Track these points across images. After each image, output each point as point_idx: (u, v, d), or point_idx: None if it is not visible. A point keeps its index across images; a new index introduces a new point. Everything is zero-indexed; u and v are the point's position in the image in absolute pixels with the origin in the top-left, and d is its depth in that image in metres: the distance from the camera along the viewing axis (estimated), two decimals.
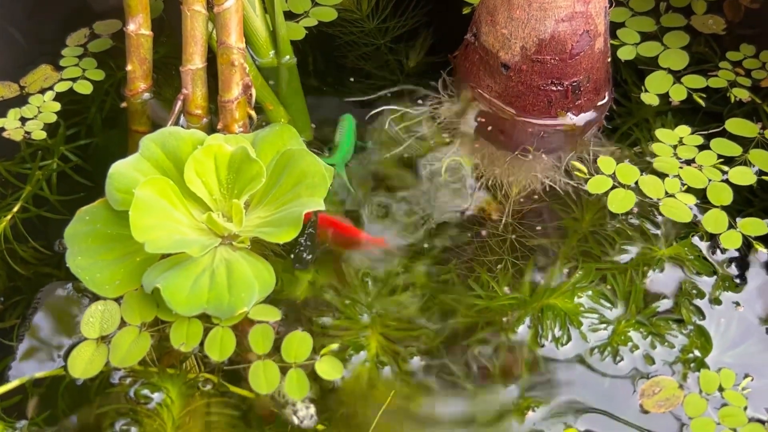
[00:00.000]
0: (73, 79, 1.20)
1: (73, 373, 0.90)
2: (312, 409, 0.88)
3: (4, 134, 1.13)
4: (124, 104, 1.16)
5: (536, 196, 1.07)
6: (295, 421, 0.87)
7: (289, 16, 1.28)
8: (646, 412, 0.88)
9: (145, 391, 0.89)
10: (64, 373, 0.91)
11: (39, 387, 0.90)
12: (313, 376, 0.90)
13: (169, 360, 0.92)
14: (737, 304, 0.96)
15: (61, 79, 1.20)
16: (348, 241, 1.04)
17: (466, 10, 1.30)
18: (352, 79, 1.22)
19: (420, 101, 1.19)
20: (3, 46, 1.23)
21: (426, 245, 1.02)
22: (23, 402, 0.89)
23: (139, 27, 1.09)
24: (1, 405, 0.89)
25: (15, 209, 1.04)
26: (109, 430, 0.86)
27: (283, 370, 0.90)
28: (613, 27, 1.24)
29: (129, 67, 1.13)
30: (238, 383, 0.91)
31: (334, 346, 0.93)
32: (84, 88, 1.19)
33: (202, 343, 0.91)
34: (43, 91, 1.19)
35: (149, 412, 0.88)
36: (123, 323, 0.93)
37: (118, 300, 0.94)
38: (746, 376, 0.90)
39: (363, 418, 0.88)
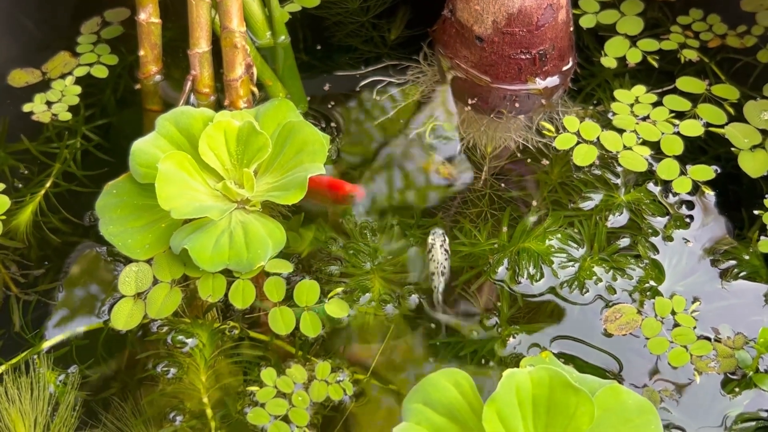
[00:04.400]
0: (90, 64, 1.30)
1: (116, 325, 1.02)
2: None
3: (33, 117, 1.23)
4: (137, 86, 1.26)
5: (511, 154, 1.19)
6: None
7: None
8: (609, 335, 1.00)
9: (180, 338, 1.01)
10: (103, 326, 1.02)
11: (84, 339, 1.02)
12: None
13: (193, 312, 1.04)
14: (687, 240, 1.08)
15: (79, 65, 1.30)
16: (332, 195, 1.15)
17: None
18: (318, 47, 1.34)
19: (403, 72, 1.30)
20: (19, 35, 1.32)
21: (415, 201, 1.15)
22: (69, 353, 1.02)
23: (149, 16, 1.20)
24: (52, 356, 1.00)
25: (48, 185, 1.16)
26: (152, 372, 0.99)
27: (297, 314, 1.02)
28: None
29: (141, 53, 1.23)
30: (256, 328, 1.03)
31: (339, 289, 1.05)
32: (100, 72, 1.29)
33: (225, 295, 1.03)
34: (63, 76, 1.28)
35: (184, 355, 1.01)
36: (155, 281, 1.04)
37: (148, 261, 1.05)
38: (695, 300, 1.03)
39: (367, 350, 1.02)
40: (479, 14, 1.19)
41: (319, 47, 1.34)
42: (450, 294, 1.05)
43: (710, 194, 1.13)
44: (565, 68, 1.27)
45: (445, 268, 1.06)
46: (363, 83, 1.29)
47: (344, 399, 0.97)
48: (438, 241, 1.08)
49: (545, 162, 1.17)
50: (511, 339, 1.01)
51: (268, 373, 0.98)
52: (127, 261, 1.06)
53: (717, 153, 1.17)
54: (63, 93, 1.27)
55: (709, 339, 1.00)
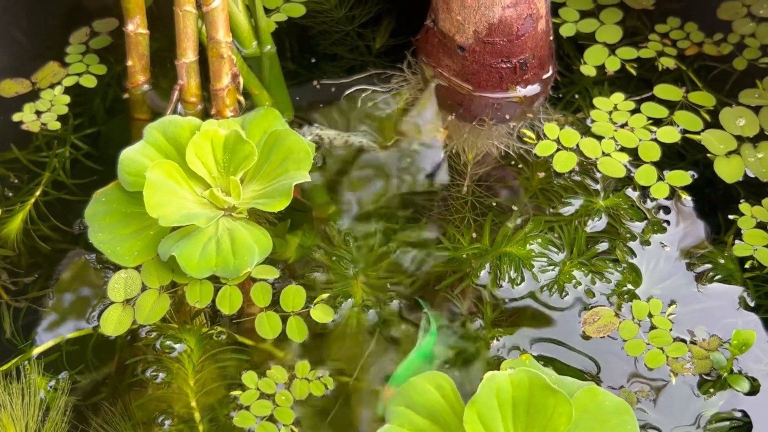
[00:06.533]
0: (79, 74, 1.31)
1: (106, 331, 1.03)
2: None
3: (23, 126, 1.25)
4: (126, 95, 1.28)
5: (493, 160, 1.22)
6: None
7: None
8: (588, 337, 1.03)
9: (169, 343, 1.03)
10: (92, 332, 1.04)
11: (73, 345, 1.04)
12: (309, 321, 1.05)
13: (181, 317, 1.06)
14: (664, 244, 1.11)
15: (68, 75, 1.31)
16: None
17: None
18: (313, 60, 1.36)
19: (388, 80, 1.32)
20: (9, 46, 1.34)
21: (399, 207, 1.17)
22: (60, 359, 1.03)
23: (137, 27, 1.22)
24: (42, 362, 1.02)
25: (37, 193, 1.18)
26: (141, 376, 1.01)
27: (284, 319, 1.04)
28: (555, 6, 1.37)
29: (129, 63, 1.25)
30: (243, 333, 1.05)
31: (325, 295, 1.07)
32: (89, 81, 1.30)
33: (213, 301, 1.05)
34: (52, 86, 1.30)
35: (173, 360, 1.02)
36: (144, 287, 1.06)
37: (137, 268, 1.07)
38: (671, 303, 1.05)
39: (354, 355, 1.04)
40: (461, 24, 1.22)
41: (304, 56, 1.37)
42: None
43: (687, 199, 1.15)
44: (545, 76, 1.29)
45: (339, 134, 1.18)
46: (348, 91, 1.31)
47: (326, 394, 0.99)
48: (317, 131, 1.20)
49: (526, 168, 1.20)
50: (494, 342, 1.03)
51: (249, 376, 1.00)
52: (116, 268, 1.08)
53: (694, 159, 1.20)
54: (52, 102, 1.28)
55: (684, 341, 1.02)
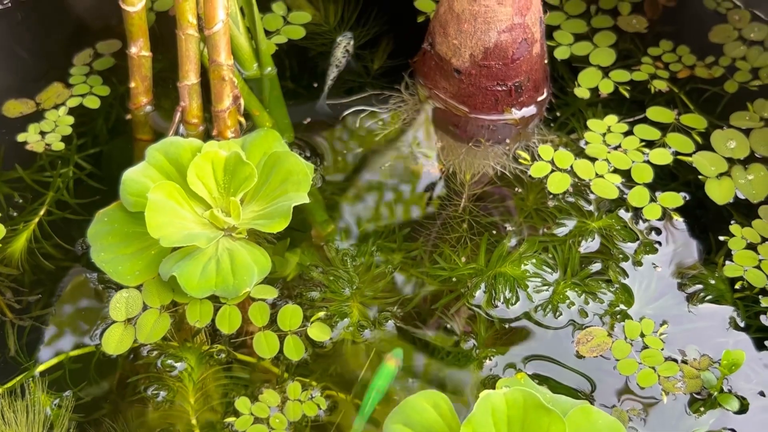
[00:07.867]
0: (83, 95, 1.33)
1: (107, 350, 1.05)
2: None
3: (27, 147, 1.27)
4: (128, 116, 1.30)
5: (488, 181, 1.24)
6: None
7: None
8: (581, 357, 1.04)
9: (170, 362, 1.05)
10: (95, 350, 1.06)
11: (76, 363, 1.06)
12: (306, 340, 1.06)
13: (182, 336, 1.08)
14: (655, 265, 1.13)
15: (72, 96, 1.33)
16: None
17: (420, 19, 1.44)
18: (315, 84, 1.38)
19: (386, 101, 1.34)
20: (14, 67, 1.36)
21: (396, 227, 1.19)
22: (63, 377, 1.05)
23: (140, 49, 1.24)
24: (46, 379, 1.04)
25: (41, 212, 1.20)
26: (143, 394, 1.03)
27: (281, 338, 1.06)
28: (550, 30, 1.40)
29: (132, 84, 1.27)
30: (243, 352, 1.07)
31: (321, 314, 1.08)
32: (92, 102, 1.32)
33: (213, 320, 1.07)
34: (57, 107, 1.32)
35: (174, 378, 1.04)
36: (145, 307, 1.08)
37: (138, 288, 1.08)
38: (663, 323, 1.07)
39: (350, 374, 1.06)
40: (457, 48, 1.24)
41: (304, 77, 1.38)
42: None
43: (679, 221, 1.17)
44: (540, 99, 1.31)
45: (340, 62, 1.31)
46: (347, 112, 1.33)
47: (319, 414, 1.01)
48: (343, 42, 1.33)
49: (521, 189, 1.22)
50: (487, 361, 1.05)
51: (242, 402, 1.01)
52: (118, 287, 1.09)
53: (686, 180, 1.22)
54: (56, 123, 1.30)
55: (676, 360, 1.04)
